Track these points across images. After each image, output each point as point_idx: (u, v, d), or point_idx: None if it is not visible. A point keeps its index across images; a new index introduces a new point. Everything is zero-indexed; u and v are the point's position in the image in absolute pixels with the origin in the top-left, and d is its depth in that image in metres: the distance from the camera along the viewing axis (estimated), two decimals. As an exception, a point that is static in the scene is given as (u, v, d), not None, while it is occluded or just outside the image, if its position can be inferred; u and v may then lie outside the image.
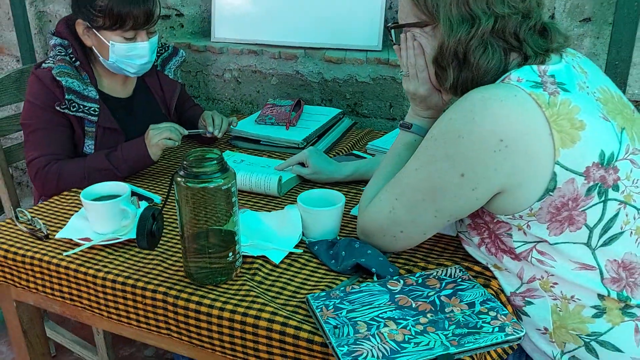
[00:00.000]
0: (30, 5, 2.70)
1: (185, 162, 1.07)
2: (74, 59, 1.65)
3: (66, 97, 1.56)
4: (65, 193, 1.53)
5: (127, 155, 1.57)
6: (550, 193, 0.98)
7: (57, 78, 1.56)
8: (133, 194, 1.43)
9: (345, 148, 1.84)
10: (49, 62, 1.61)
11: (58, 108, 1.56)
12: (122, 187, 1.33)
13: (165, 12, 2.46)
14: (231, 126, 1.81)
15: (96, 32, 1.60)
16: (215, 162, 1.07)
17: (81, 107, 1.59)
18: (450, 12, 1.05)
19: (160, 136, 1.55)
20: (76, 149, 1.65)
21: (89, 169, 1.56)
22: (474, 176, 1.01)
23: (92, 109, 1.61)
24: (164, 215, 1.37)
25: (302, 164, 1.57)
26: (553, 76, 1.03)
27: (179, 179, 1.07)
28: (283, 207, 1.42)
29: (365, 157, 1.74)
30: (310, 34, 2.25)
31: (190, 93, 2.48)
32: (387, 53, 2.12)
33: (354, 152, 1.81)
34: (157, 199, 1.48)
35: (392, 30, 1.20)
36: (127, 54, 1.62)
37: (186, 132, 1.62)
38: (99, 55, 1.64)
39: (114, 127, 1.66)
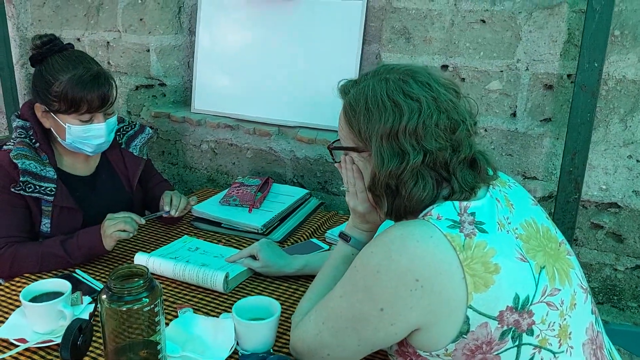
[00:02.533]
0: (21, 68, 2.78)
1: (109, 282, 1.08)
2: (34, 141, 1.69)
3: (21, 179, 1.60)
4: (17, 279, 1.55)
5: (82, 244, 1.59)
6: (464, 336, 0.98)
7: (14, 161, 1.60)
8: (79, 287, 1.45)
9: (305, 234, 1.85)
10: (9, 145, 1.65)
11: (13, 190, 1.60)
12: (63, 285, 1.35)
13: (149, 82, 2.51)
14: (192, 205, 1.82)
15: (53, 115, 1.64)
16: (141, 281, 1.09)
17: (37, 187, 1.62)
18: (382, 145, 1.07)
19: (115, 228, 1.57)
20: (33, 228, 1.68)
21: (43, 254, 1.58)
22: (392, 312, 1.02)
23: (49, 189, 1.64)
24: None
25: (254, 257, 1.58)
26: (473, 214, 1.04)
27: (103, 297, 1.08)
28: (230, 304, 1.43)
29: (322, 247, 1.75)
30: (284, 111, 2.29)
31: (169, 160, 2.52)
32: (357, 136, 2.14)
33: (312, 240, 1.82)
34: (105, 291, 1.49)
35: (329, 149, 1.22)
36: (83, 135, 1.65)
37: (143, 220, 1.64)
38: (57, 136, 1.68)
39: (71, 206, 1.69)
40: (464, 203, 1.05)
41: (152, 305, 1.09)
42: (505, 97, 1.88)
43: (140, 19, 2.44)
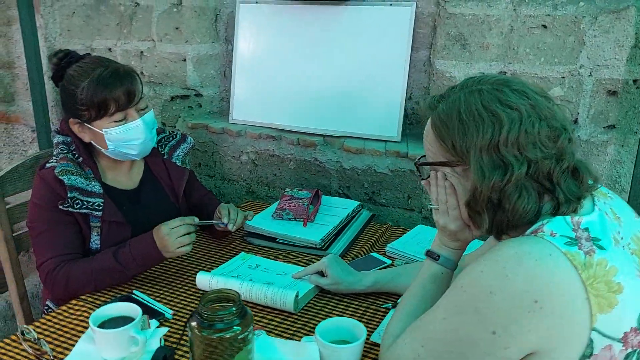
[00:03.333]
0: (49, 79, 2.71)
1: (200, 307, 1.02)
2: (76, 156, 1.63)
3: (69, 195, 1.54)
4: (74, 302, 1.48)
5: (136, 253, 1.52)
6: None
7: (60, 177, 1.54)
8: (144, 311, 1.38)
9: (364, 249, 1.78)
10: (52, 162, 1.59)
11: (61, 207, 1.54)
12: (133, 310, 1.28)
13: (184, 93, 2.45)
14: (247, 221, 1.76)
15: (89, 126, 1.58)
16: (233, 308, 1.03)
17: (85, 203, 1.56)
18: (481, 159, 1.02)
19: (178, 243, 1.50)
20: (84, 245, 1.61)
21: (97, 271, 1.52)
22: (506, 335, 0.95)
23: (97, 204, 1.58)
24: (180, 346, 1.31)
25: (321, 273, 1.52)
26: (587, 229, 0.98)
27: (193, 323, 1.02)
28: (302, 324, 1.37)
29: (384, 262, 1.69)
30: (329, 121, 2.22)
31: (206, 172, 2.46)
32: (406, 146, 2.08)
33: (373, 254, 1.75)
34: (169, 312, 1.42)
35: (415, 165, 1.16)
36: (123, 137, 1.59)
37: (196, 219, 1.57)
38: (99, 148, 1.62)
39: (119, 221, 1.63)
40: (576, 217, 1.00)
41: (245, 333, 1.03)
42: (566, 103, 1.82)
43: (176, 28, 2.38)
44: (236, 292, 1.06)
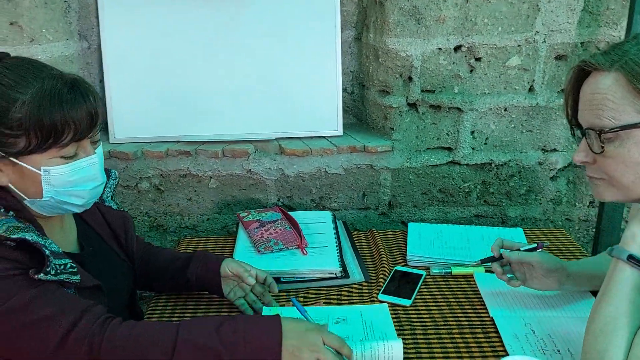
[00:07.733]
0: None
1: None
2: (1, 209, 1.04)
3: (47, 253, 1.00)
4: None
5: (251, 337, 0.99)
6: None
7: (13, 236, 0.98)
8: None
9: (383, 268, 1.47)
10: None
11: (41, 276, 0.98)
12: None
13: (36, 111, 1.78)
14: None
15: (16, 161, 1.03)
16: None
17: (58, 267, 1.02)
18: None
19: None
20: None
21: (185, 342, 0.98)
22: None
23: (68, 265, 1.05)
24: None
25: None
26: None
27: None
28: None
29: (420, 274, 1.45)
30: (254, 123, 1.85)
31: (87, 213, 1.85)
32: (356, 139, 1.84)
33: (398, 268, 1.49)
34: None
35: (599, 135, 0.95)
36: (70, 180, 1.07)
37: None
38: (23, 196, 1.06)
39: (95, 284, 1.11)
40: None
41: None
42: (523, 72, 1.79)
43: (12, 23, 1.70)
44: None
